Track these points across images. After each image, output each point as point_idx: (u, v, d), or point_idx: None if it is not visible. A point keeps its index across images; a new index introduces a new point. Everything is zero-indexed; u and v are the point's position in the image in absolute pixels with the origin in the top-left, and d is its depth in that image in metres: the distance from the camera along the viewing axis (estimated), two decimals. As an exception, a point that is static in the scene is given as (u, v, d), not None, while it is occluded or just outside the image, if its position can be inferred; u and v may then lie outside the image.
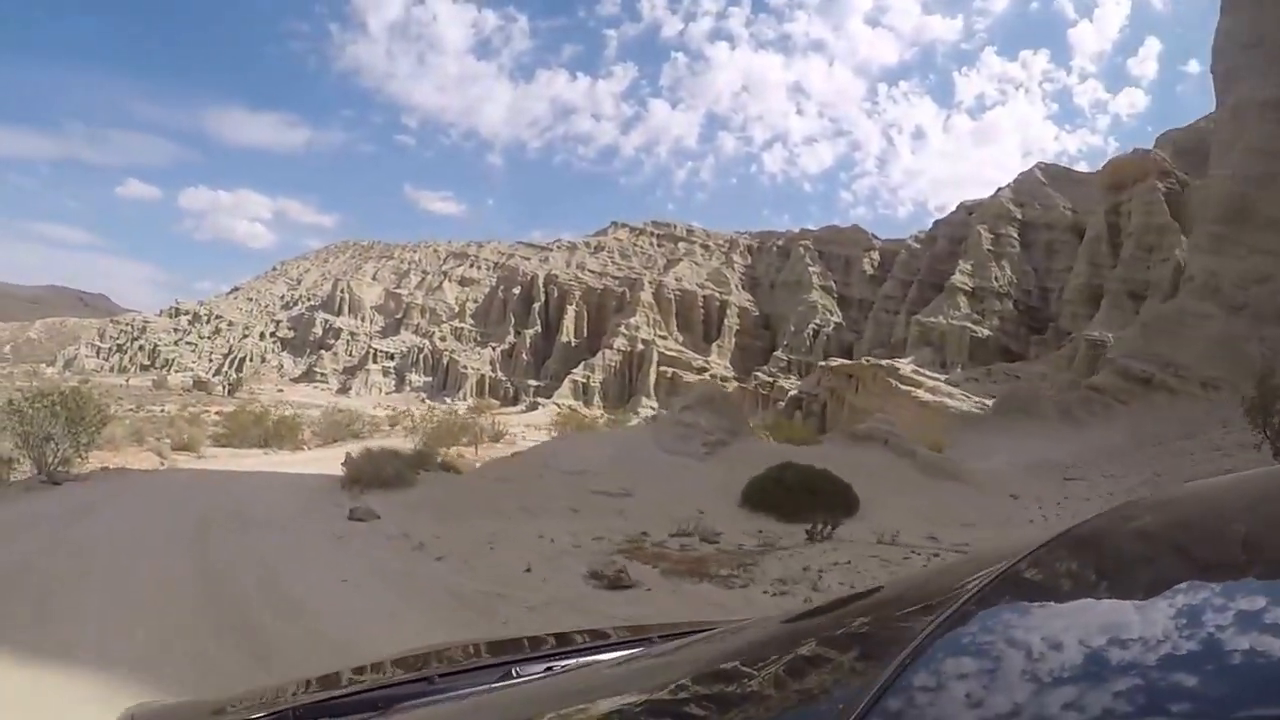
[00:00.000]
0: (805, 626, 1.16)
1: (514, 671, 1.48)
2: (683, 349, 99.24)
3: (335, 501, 13.73)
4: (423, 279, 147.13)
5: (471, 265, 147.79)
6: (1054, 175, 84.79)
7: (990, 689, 0.69)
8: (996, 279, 70.94)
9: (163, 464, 22.41)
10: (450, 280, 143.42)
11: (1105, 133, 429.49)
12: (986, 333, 68.35)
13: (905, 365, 54.03)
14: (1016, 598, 0.92)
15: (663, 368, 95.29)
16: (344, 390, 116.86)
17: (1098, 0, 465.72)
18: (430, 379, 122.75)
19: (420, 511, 12.80)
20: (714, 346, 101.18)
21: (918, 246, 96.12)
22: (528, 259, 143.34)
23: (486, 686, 1.42)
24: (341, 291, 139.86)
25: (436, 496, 14.37)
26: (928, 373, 52.95)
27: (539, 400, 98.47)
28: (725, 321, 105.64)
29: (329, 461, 18.65)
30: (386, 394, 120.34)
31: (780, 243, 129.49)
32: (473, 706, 1.32)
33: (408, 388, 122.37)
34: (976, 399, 45.66)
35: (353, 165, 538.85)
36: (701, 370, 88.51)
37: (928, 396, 47.89)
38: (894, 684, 0.68)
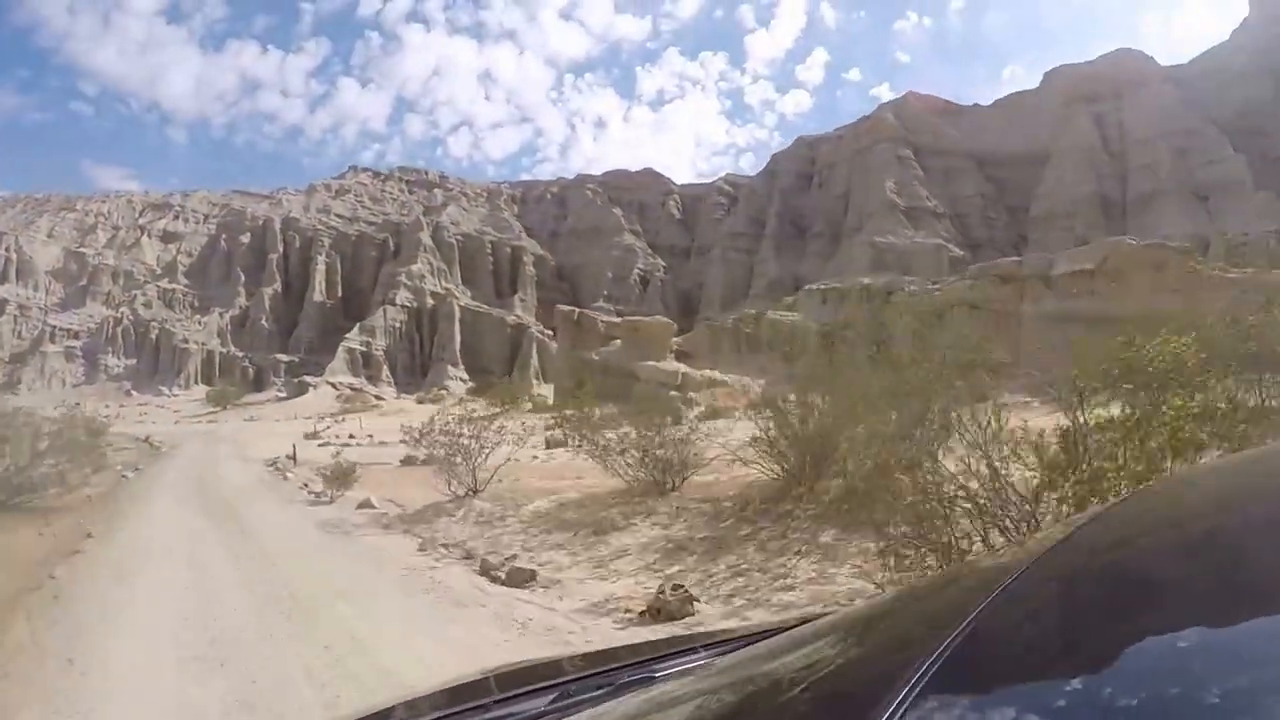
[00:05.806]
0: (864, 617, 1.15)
1: (569, 691, 1.36)
2: (480, 304, 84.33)
3: None
4: (114, 235, 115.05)
5: (176, 217, 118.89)
6: (932, 106, 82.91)
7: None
8: (927, 198, 65.42)
9: None
10: (150, 236, 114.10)
11: (771, 128, 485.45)
12: (959, 251, 62.98)
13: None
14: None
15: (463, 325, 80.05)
16: (11, 385, 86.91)
17: (775, 13, 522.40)
18: (134, 361, 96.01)
19: None
20: (516, 299, 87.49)
21: (730, 189, 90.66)
22: (245, 208, 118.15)
23: (543, 709, 1.32)
24: (8, 251, 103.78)
25: None
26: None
27: (306, 380, 78.65)
28: (522, 271, 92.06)
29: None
30: (74, 386, 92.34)
31: (554, 190, 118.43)
32: None
33: (103, 375, 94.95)
34: None
35: (26, 136, 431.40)
36: (517, 328, 74.47)
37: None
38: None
